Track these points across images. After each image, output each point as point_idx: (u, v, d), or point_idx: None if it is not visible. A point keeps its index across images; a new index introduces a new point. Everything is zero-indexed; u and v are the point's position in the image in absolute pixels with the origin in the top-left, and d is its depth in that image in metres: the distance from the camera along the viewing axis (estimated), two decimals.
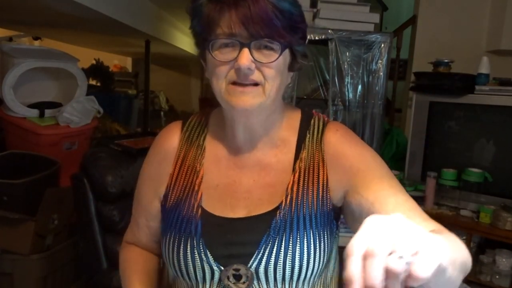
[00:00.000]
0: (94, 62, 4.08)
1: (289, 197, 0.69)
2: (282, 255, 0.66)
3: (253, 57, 0.65)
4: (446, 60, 2.24)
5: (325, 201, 0.71)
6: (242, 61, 0.64)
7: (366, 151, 0.73)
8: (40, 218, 2.12)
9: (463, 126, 2.13)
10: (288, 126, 0.77)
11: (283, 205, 0.69)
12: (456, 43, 2.83)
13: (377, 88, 2.20)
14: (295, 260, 0.65)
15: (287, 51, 0.69)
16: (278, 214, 0.68)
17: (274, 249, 0.66)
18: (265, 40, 0.65)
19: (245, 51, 0.64)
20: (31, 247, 2.11)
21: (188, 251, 0.68)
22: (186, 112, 5.81)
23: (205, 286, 0.69)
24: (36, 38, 4.44)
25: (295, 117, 0.79)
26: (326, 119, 0.79)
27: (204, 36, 0.68)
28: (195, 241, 0.68)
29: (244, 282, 0.66)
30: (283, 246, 0.66)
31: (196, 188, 0.74)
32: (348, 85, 2.15)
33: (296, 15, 0.68)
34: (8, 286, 2.18)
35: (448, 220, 1.92)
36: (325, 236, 0.69)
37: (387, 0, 4.61)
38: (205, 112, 0.83)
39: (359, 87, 2.18)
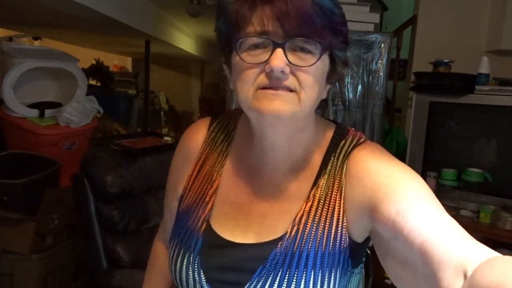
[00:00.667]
0: (94, 62, 4.08)
1: (295, 228, 0.61)
2: None
3: (288, 60, 0.56)
4: (446, 60, 2.24)
5: (338, 237, 0.61)
6: (275, 62, 0.55)
7: (397, 166, 0.60)
8: (40, 218, 2.12)
9: (463, 126, 2.13)
10: (316, 146, 0.67)
11: (286, 236, 0.61)
12: (456, 43, 2.83)
13: (377, 88, 2.21)
14: None
15: (326, 57, 0.61)
16: (279, 246, 0.61)
17: (268, 284, 0.59)
18: (302, 40, 0.57)
19: (279, 51, 0.56)
20: (31, 247, 2.11)
21: (184, 265, 0.64)
22: (186, 112, 5.81)
23: None
24: (36, 38, 4.44)
25: (327, 135, 0.68)
26: (362, 139, 0.67)
27: (230, 35, 0.60)
28: (191, 257, 0.64)
29: None
30: (276, 281, 0.59)
31: (207, 199, 0.68)
32: (348, 85, 2.15)
33: (338, 15, 0.60)
34: (8, 286, 2.18)
35: None
36: (332, 277, 0.60)
37: (387, 0, 4.61)
38: (235, 113, 0.74)
39: (359, 87, 2.18)
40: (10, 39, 3.80)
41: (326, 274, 0.60)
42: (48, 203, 2.14)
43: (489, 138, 2.04)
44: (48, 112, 2.56)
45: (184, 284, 0.64)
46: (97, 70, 4.00)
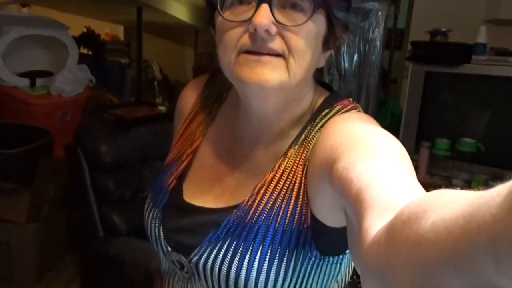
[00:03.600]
0: (85, 30, 3.98)
1: (252, 198, 0.56)
2: (220, 259, 0.56)
3: (274, 17, 0.49)
4: (443, 29, 2.21)
5: (297, 215, 0.54)
6: (259, 19, 0.48)
7: (371, 128, 0.52)
8: (35, 188, 2.12)
9: (458, 96, 2.12)
10: (305, 117, 0.60)
11: (242, 205, 0.57)
12: (454, 12, 2.78)
13: (373, 57, 2.18)
14: (231, 270, 0.55)
15: (321, 17, 0.53)
16: (233, 214, 0.57)
17: (215, 250, 0.56)
18: None
19: (264, 7, 0.48)
20: (27, 216, 2.12)
21: (150, 219, 0.64)
22: (180, 81, 5.75)
23: (163, 259, 0.66)
24: (24, 5, 4.31)
25: (317, 104, 0.61)
26: (350, 108, 0.58)
27: None
28: (155, 212, 0.63)
29: (186, 272, 0.60)
30: (223, 249, 0.56)
31: (183, 158, 0.65)
32: (344, 54, 2.13)
33: None
34: (5, 255, 2.21)
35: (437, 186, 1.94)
36: (285, 257, 0.54)
37: None
38: None
39: (355, 56, 2.15)
40: None
41: (278, 252, 0.54)
42: (43, 173, 2.14)
43: (484, 109, 2.04)
44: (39, 82, 2.52)
45: (149, 237, 0.65)
46: (88, 39, 3.91)
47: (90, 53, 3.99)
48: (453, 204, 0.24)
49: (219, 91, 0.69)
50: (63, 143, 1.88)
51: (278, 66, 0.51)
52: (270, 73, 0.51)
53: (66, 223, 2.44)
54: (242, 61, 0.51)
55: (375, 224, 0.33)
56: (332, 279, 0.61)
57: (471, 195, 0.24)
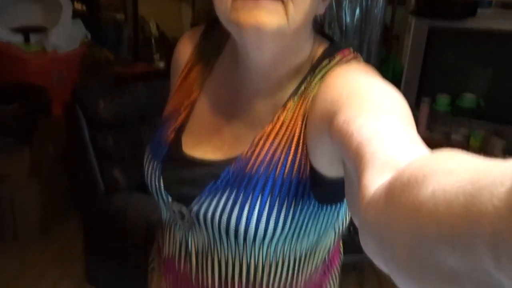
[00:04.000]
0: None
1: (251, 150, 0.57)
2: (220, 209, 0.57)
3: None
4: None
5: (296, 166, 0.55)
6: None
7: (372, 80, 0.51)
8: (35, 146, 2.13)
9: (461, 52, 2.09)
10: (305, 67, 0.59)
11: (241, 156, 0.57)
12: None
13: (375, 12, 2.12)
14: (231, 219, 0.56)
15: None
16: (232, 165, 0.58)
17: (215, 200, 0.57)
18: None
19: None
20: (28, 174, 2.14)
21: (150, 171, 0.64)
22: (178, 39, 5.62)
23: (163, 210, 0.67)
24: None
25: (317, 54, 0.59)
26: (352, 58, 0.57)
27: None
28: (155, 164, 0.64)
29: (187, 221, 0.61)
30: (223, 200, 0.57)
31: (181, 110, 0.65)
32: (346, 8, 2.07)
33: None
34: (9, 211, 2.25)
35: (438, 145, 1.94)
36: (284, 207, 0.55)
37: None
38: None
39: (357, 10, 2.09)
40: None
41: (277, 201, 0.55)
42: (42, 130, 2.14)
43: (486, 64, 2.02)
44: (33, 38, 2.47)
45: (149, 187, 0.66)
46: None
47: (84, 8, 3.87)
48: (453, 174, 0.23)
49: (216, 43, 0.67)
50: (61, 102, 1.87)
51: (277, 10, 0.50)
52: (268, 17, 0.49)
53: (67, 180, 2.47)
54: (239, 6, 0.50)
55: (374, 180, 0.32)
56: (329, 227, 0.62)
57: (472, 166, 0.23)
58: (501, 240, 0.18)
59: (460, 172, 0.23)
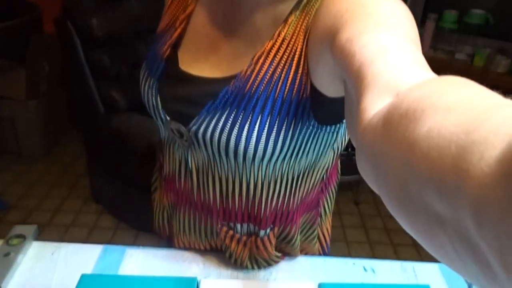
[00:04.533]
0: None
1: (251, 68, 0.55)
2: (219, 129, 0.56)
3: None
4: None
5: (297, 84, 0.54)
6: None
7: None
8: (30, 65, 2.09)
9: None
10: None
11: (240, 75, 0.56)
12: None
13: None
14: (230, 139, 0.56)
15: None
16: (231, 84, 0.56)
17: (214, 120, 0.57)
18: None
19: None
20: (26, 93, 2.13)
21: (146, 88, 0.63)
22: None
23: (162, 129, 0.67)
24: None
25: None
26: None
27: None
28: (151, 82, 0.62)
29: (186, 141, 0.61)
30: (222, 119, 0.56)
31: (177, 24, 0.62)
32: None
33: None
34: (11, 130, 2.28)
35: (441, 64, 1.91)
36: (283, 126, 0.55)
37: None
38: None
39: None
40: None
41: (276, 121, 0.55)
42: (36, 49, 2.09)
43: None
44: None
45: (147, 107, 0.65)
46: None
47: None
48: (451, 114, 0.22)
49: None
50: (52, 18, 1.79)
51: None
52: None
53: (66, 100, 2.47)
54: None
55: (373, 104, 0.32)
56: (328, 147, 0.63)
57: (471, 104, 0.22)
58: (484, 208, 0.18)
59: (458, 113, 0.22)
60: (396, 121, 0.27)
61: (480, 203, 0.18)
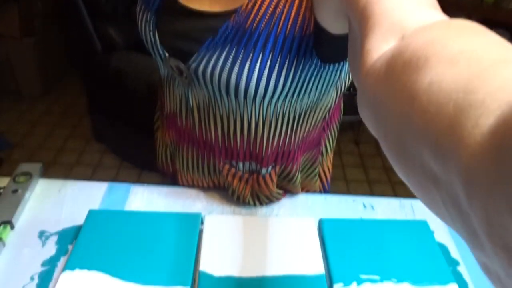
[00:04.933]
0: None
1: (251, 3, 0.53)
2: (219, 66, 0.55)
3: None
4: None
5: (300, 20, 0.52)
6: None
7: None
8: (22, 1, 2.01)
9: None
10: None
11: (241, 9, 0.54)
12: None
13: None
14: (231, 77, 0.55)
15: None
16: (232, 19, 0.54)
17: (214, 57, 0.55)
18: None
19: None
20: (20, 30, 2.07)
21: (143, 23, 0.61)
22: None
23: (161, 66, 0.65)
24: None
25: None
26: None
27: None
28: (148, 16, 0.60)
29: (186, 78, 0.60)
30: (222, 56, 0.55)
31: None
32: None
33: None
34: (8, 70, 2.25)
35: (451, 0, 1.83)
36: (286, 64, 0.54)
37: None
38: None
39: None
40: None
41: (278, 59, 0.53)
42: None
43: None
44: None
45: (145, 43, 0.63)
46: None
47: None
48: (454, 66, 0.21)
49: None
50: None
51: None
52: None
53: (63, 39, 2.40)
54: None
55: (377, 46, 0.31)
56: (331, 86, 0.62)
57: (476, 55, 0.21)
58: (473, 179, 0.17)
59: (460, 66, 0.21)
60: (399, 68, 0.26)
61: (470, 174, 0.18)
